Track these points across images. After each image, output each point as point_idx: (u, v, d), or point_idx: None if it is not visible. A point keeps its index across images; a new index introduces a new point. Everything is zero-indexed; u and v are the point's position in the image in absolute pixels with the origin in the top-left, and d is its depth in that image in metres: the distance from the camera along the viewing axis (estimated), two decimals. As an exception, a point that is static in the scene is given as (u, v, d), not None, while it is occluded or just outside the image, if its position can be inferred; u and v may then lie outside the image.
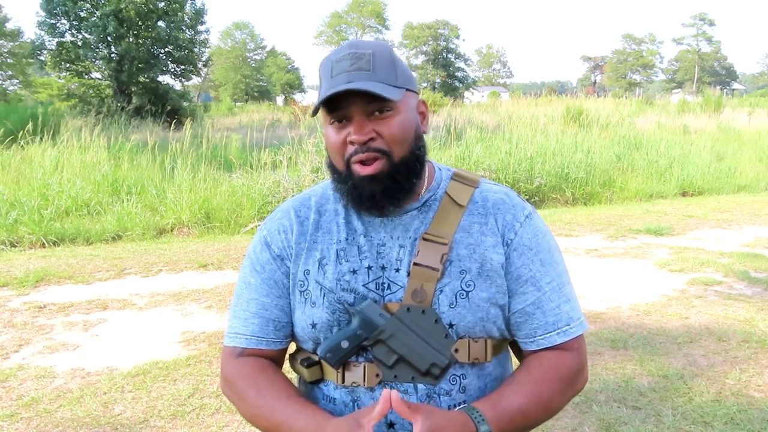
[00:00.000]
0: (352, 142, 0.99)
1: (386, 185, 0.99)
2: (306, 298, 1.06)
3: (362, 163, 0.99)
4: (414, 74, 1.11)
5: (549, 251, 1.08)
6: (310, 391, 1.11)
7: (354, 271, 1.04)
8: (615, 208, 9.02)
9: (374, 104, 0.98)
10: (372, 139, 0.99)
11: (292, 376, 1.19)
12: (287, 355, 1.16)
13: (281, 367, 1.16)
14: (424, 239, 1.03)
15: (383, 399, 0.89)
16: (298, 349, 1.14)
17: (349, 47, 1.01)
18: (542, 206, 9.15)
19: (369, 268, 1.04)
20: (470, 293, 1.01)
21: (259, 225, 7.40)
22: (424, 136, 1.08)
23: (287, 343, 1.14)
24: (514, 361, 1.17)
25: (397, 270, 1.03)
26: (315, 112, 1.02)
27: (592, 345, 3.70)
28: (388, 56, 1.01)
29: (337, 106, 0.99)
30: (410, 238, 1.05)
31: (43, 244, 6.57)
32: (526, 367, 1.06)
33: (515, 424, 0.99)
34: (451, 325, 1.01)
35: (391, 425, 1.01)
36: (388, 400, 0.89)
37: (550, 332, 1.05)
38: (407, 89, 1.03)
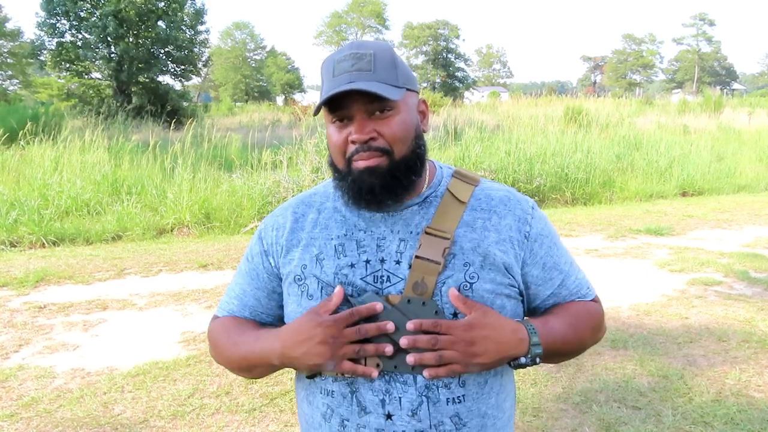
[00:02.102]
0: (353, 142, 1.01)
1: (386, 180, 1.01)
2: (303, 291, 1.08)
3: (361, 161, 1.02)
4: (414, 74, 1.11)
5: (555, 234, 1.16)
6: (308, 386, 1.12)
7: (352, 265, 1.06)
8: (615, 208, 9.02)
9: (375, 104, 1.00)
10: (373, 138, 1.00)
11: (292, 375, 1.19)
12: None
13: None
14: (426, 233, 1.05)
15: (337, 291, 1.01)
16: None
17: (350, 48, 1.03)
18: (542, 206, 9.15)
19: (367, 261, 1.05)
20: (474, 285, 1.03)
21: (259, 225, 7.40)
22: (424, 135, 1.10)
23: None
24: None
25: (398, 262, 1.05)
26: (317, 112, 1.04)
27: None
28: (389, 56, 1.03)
29: (338, 105, 1.01)
30: (411, 232, 1.06)
31: (43, 244, 6.57)
32: (562, 306, 1.13)
33: (555, 349, 1.06)
34: (455, 315, 1.02)
35: (389, 416, 1.02)
36: (341, 293, 1.01)
37: (575, 299, 1.15)
38: (408, 89, 1.04)
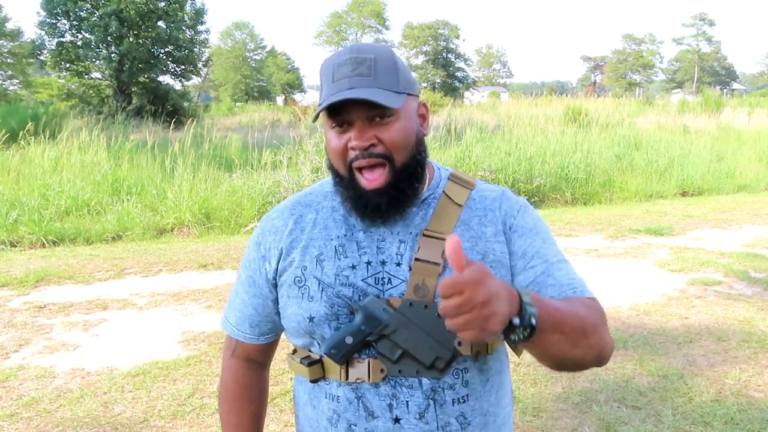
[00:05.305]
0: (353, 148, 1.00)
1: (391, 196, 1.01)
2: (303, 293, 1.07)
3: (363, 170, 1.00)
4: (414, 74, 1.11)
5: (548, 236, 1.11)
6: (311, 390, 1.11)
7: (353, 267, 1.05)
8: (615, 208, 9.02)
9: (375, 110, 0.99)
10: (373, 144, 0.99)
11: (289, 375, 1.19)
12: (287, 357, 1.16)
13: (269, 362, 1.25)
14: (425, 235, 1.04)
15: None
16: (296, 349, 1.15)
17: (350, 51, 1.01)
18: (542, 206, 9.15)
19: (368, 263, 1.05)
20: None
21: (254, 230, 7.41)
22: (425, 138, 1.09)
23: (264, 339, 1.18)
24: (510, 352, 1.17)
25: (398, 264, 1.04)
26: (315, 119, 1.03)
27: (592, 345, 3.70)
28: (389, 61, 1.02)
29: (338, 111, 1.00)
30: (410, 233, 1.06)
31: (43, 244, 6.57)
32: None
33: (550, 320, 0.87)
34: None
35: (396, 420, 1.02)
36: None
37: (566, 293, 1.03)
38: (408, 93, 1.03)
